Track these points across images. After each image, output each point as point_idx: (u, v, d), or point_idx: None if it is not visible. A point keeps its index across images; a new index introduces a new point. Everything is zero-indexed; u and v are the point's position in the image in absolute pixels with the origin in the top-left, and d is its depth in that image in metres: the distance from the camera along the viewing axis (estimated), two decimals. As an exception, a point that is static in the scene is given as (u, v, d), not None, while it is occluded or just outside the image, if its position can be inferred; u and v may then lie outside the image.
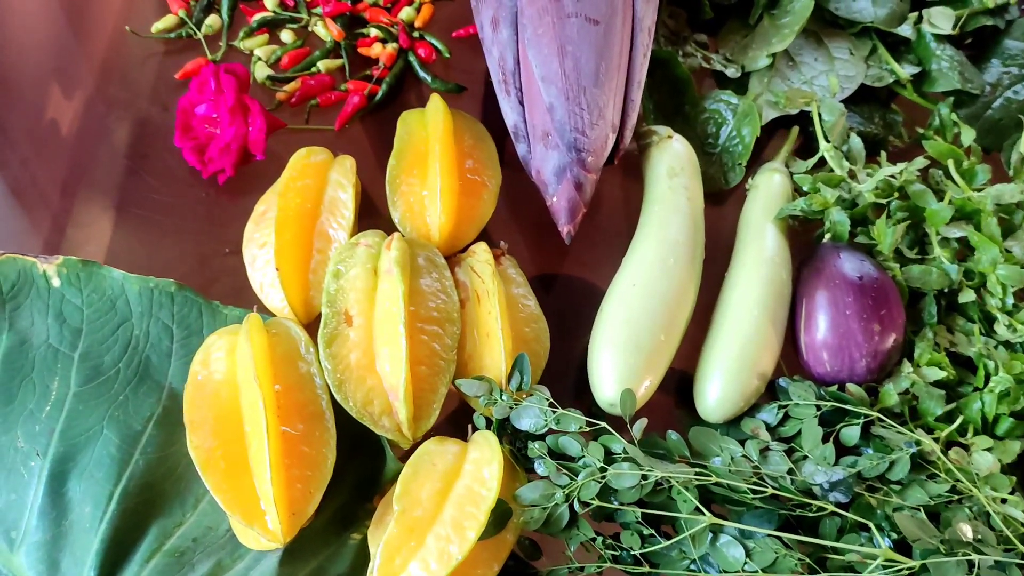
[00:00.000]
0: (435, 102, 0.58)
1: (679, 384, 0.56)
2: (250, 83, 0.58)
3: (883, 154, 0.62)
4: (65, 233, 0.57)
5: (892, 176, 0.59)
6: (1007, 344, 0.55)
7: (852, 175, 0.60)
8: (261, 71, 0.62)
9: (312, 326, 0.51)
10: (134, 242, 0.57)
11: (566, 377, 0.56)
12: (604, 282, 0.56)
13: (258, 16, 0.63)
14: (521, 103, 0.57)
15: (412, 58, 0.64)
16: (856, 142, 0.62)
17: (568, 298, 0.59)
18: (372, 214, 0.59)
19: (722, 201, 0.63)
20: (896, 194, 0.59)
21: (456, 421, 0.53)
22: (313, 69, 0.62)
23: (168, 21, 0.63)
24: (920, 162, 0.61)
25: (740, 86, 0.66)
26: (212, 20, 0.63)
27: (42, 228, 0.58)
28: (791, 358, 0.55)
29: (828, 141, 0.61)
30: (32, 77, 0.62)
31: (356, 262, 0.52)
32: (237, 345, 0.50)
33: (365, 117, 0.62)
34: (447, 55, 0.64)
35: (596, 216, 0.61)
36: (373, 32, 0.64)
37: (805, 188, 0.59)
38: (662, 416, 0.53)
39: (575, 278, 0.59)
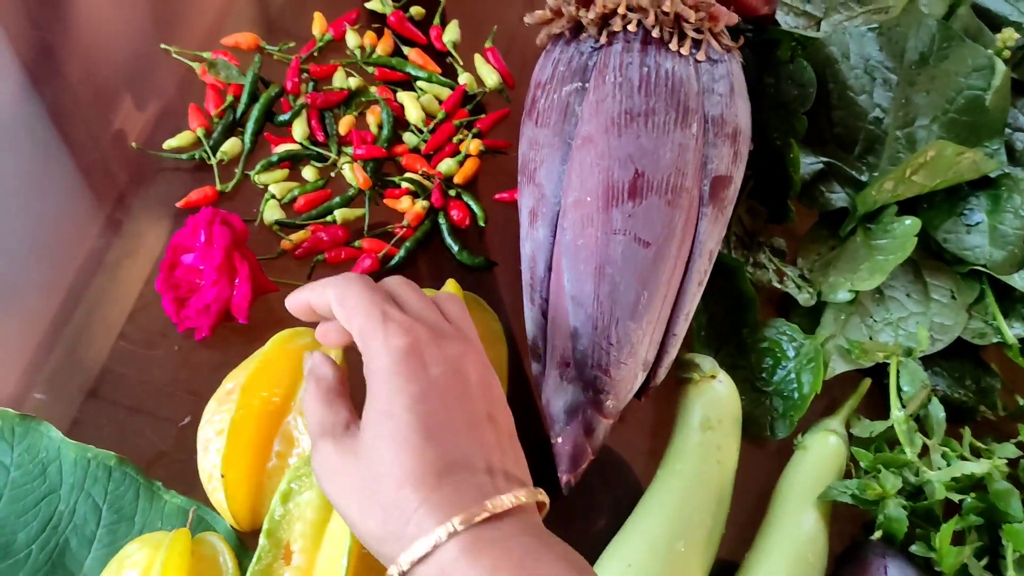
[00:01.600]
0: (449, 290, 0.50)
1: None
2: (247, 235, 0.51)
3: (967, 430, 0.53)
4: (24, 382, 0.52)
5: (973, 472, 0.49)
6: None
7: (924, 451, 0.51)
8: (271, 213, 0.55)
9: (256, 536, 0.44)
10: (86, 393, 0.51)
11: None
12: (599, 542, 0.47)
13: (282, 148, 0.57)
14: (544, 316, 0.49)
15: (442, 220, 0.56)
16: (937, 411, 0.52)
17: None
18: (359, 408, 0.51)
19: (759, 446, 0.54)
20: (973, 494, 0.49)
21: None
22: (328, 218, 0.55)
23: (183, 139, 0.56)
24: (1011, 450, 0.51)
25: (812, 313, 0.56)
26: (230, 145, 0.56)
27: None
28: None
29: (902, 409, 0.51)
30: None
31: (313, 483, 0.45)
32: (152, 567, 0.43)
33: (374, 277, 0.55)
34: (483, 223, 0.57)
35: (606, 454, 0.52)
36: (405, 183, 0.57)
37: (863, 464, 0.50)
38: None
39: (565, 528, 0.51)
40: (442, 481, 0.36)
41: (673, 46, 0.49)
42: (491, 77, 0.61)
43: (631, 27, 0.49)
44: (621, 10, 0.49)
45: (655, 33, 0.49)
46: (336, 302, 0.41)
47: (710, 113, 0.50)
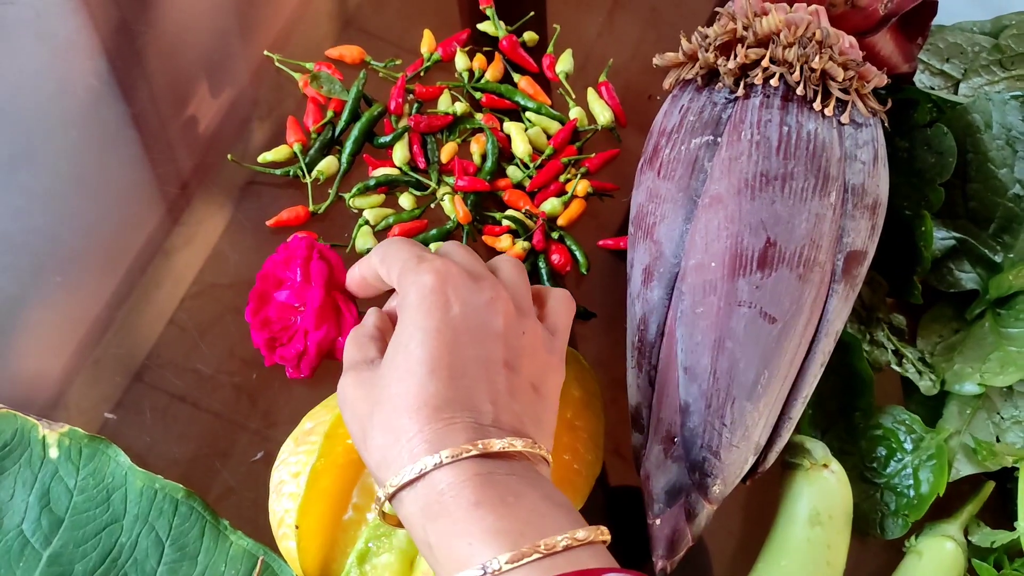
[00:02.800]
0: (548, 345, 0.47)
1: None
2: (344, 268, 0.48)
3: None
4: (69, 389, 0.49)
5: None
6: None
7: (1050, 569, 0.46)
8: (363, 240, 0.52)
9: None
10: (158, 415, 0.49)
11: None
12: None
13: (380, 171, 0.54)
14: (652, 384, 0.46)
15: (542, 264, 0.53)
16: (1067, 525, 0.48)
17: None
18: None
19: (863, 543, 0.49)
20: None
21: None
22: (424, 251, 0.52)
23: (279, 153, 0.54)
24: None
25: (931, 401, 0.52)
26: (326, 164, 0.53)
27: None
28: None
29: (1030, 522, 0.47)
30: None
31: (392, 545, 0.42)
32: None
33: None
34: (585, 271, 0.53)
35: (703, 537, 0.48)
36: (506, 220, 0.53)
37: (982, 578, 0.46)
38: None
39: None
40: (438, 415, 0.37)
41: (817, 105, 0.46)
42: (604, 114, 0.57)
43: (773, 81, 0.46)
44: (764, 63, 0.46)
45: (799, 90, 0.45)
46: (379, 260, 0.43)
47: (851, 182, 0.46)
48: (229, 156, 0.53)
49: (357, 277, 0.45)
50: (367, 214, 0.53)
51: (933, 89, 0.60)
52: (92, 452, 0.45)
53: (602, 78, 0.59)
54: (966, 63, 0.60)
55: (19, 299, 0.51)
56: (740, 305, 0.43)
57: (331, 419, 0.45)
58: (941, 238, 0.54)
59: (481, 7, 0.60)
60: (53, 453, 0.45)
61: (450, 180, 0.54)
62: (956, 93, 0.60)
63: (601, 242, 0.55)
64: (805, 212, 0.44)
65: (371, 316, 0.44)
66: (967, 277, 0.54)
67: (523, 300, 0.42)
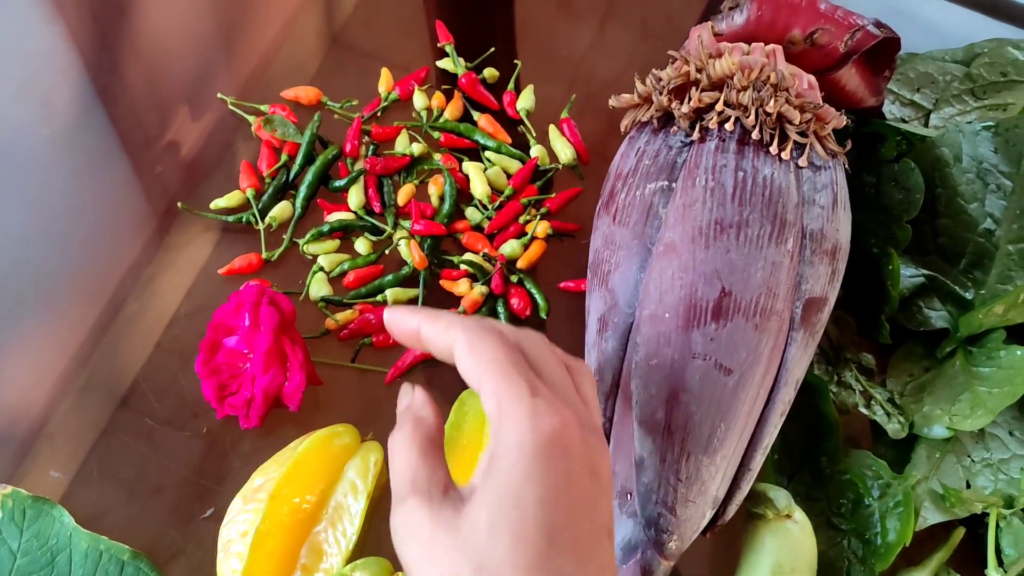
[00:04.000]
0: (504, 396, 0.46)
1: None
2: (295, 317, 0.48)
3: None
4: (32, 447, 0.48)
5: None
6: None
7: (1022, 620, 0.45)
8: (318, 288, 0.51)
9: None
10: (106, 472, 0.48)
11: None
12: None
13: (334, 216, 0.53)
14: (608, 437, 0.45)
15: (501, 308, 0.52)
16: (1039, 573, 0.46)
17: None
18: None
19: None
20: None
21: None
22: (379, 297, 0.51)
23: (231, 199, 0.53)
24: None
25: (904, 446, 0.51)
26: (279, 210, 0.53)
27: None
28: None
29: (1000, 572, 0.46)
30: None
31: (339, 609, 0.41)
32: None
33: (426, 366, 0.51)
34: (544, 315, 0.52)
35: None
36: (463, 264, 0.52)
37: (953, 632, 0.45)
38: None
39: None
40: None
41: (773, 149, 0.44)
42: (565, 152, 0.56)
43: (728, 125, 0.45)
44: (719, 106, 0.45)
45: (754, 134, 0.44)
46: (466, 351, 0.35)
47: (809, 227, 0.45)
48: (180, 204, 0.53)
49: (411, 329, 0.37)
50: (322, 260, 0.52)
51: (904, 120, 0.59)
52: (36, 513, 0.44)
53: (564, 114, 0.58)
54: (937, 93, 0.59)
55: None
56: (695, 357, 0.42)
57: (278, 476, 0.43)
58: (910, 275, 0.53)
59: (440, 44, 0.59)
60: (-4, 515, 0.44)
61: (407, 224, 0.53)
62: (927, 123, 0.59)
63: (562, 284, 0.53)
64: (761, 260, 0.43)
65: (427, 408, 0.37)
66: (937, 315, 0.53)
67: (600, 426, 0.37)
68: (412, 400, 0.37)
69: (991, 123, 0.53)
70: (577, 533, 0.33)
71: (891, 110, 0.59)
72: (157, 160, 0.55)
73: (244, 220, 0.53)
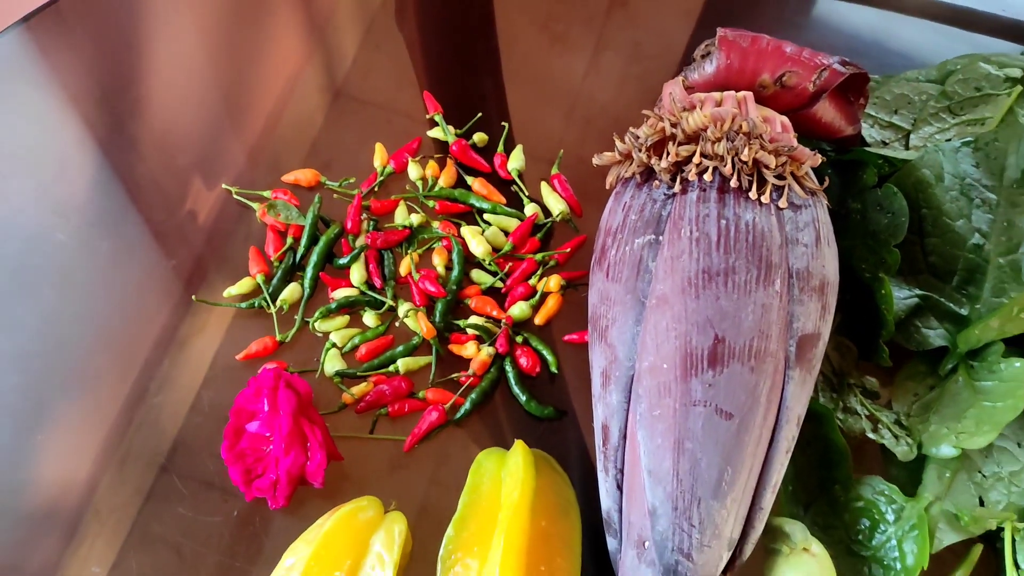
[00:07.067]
0: (517, 457, 0.47)
1: None
2: (312, 397, 0.50)
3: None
4: (73, 537, 0.50)
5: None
6: None
7: (1047, 631, 0.46)
8: (332, 364, 0.53)
9: None
10: (143, 566, 0.50)
11: None
12: None
13: (339, 293, 0.55)
14: (620, 488, 0.46)
15: (509, 367, 0.54)
16: (1060, 581, 0.47)
17: None
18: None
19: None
20: None
21: None
22: (392, 368, 0.53)
23: (243, 286, 0.55)
24: None
25: (915, 466, 0.52)
26: (289, 292, 0.55)
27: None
28: None
29: (1020, 585, 0.47)
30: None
31: None
32: None
33: (441, 432, 0.53)
34: (554, 370, 0.54)
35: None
36: (470, 329, 0.54)
37: (978, 650, 0.45)
38: None
39: None
40: None
41: (753, 194, 0.46)
42: (557, 206, 0.58)
43: (707, 176, 0.46)
44: (696, 158, 0.46)
45: (733, 182, 0.46)
46: None
47: (795, 267, 0.46)
48: (194, 297, 0.55)
49: None
50: (333, 336, 0.54)
51: (884, 142, 0.60)
52: (82, 611, 0.47)
53: (554, 171, 0.60)
54: (915, 112, 0.61)
55: (39, 413, 0.53)
56: (695, 405, 0.44)
57: (307, 555, 0.45)
58: (904, 297, 0.54)
59: (429, 115, 0.61)
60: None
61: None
62: (907, 144, 0.60)
63: (566, 337, 0.55)
64: (751, 304, 0.45)
65: None
66: (935, 334, 0.54)
67: None
68: None
69: (970, 139, 0.54)
70: None
71: (871, 134, 0.60)
72: (171, 254, 0.57)
73: (256, 305, 0.55)
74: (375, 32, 0.67)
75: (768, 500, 0.46)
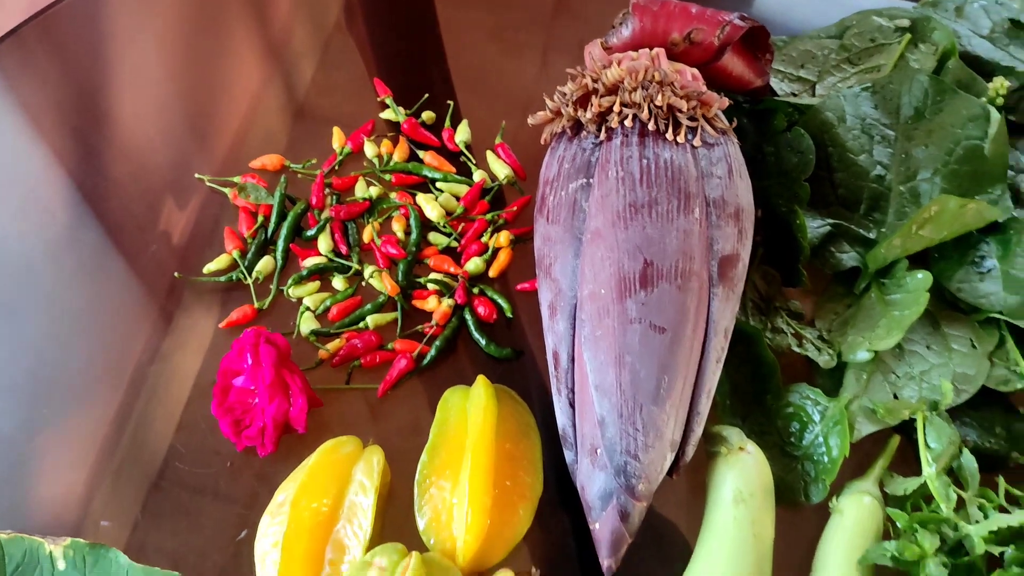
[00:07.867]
0: (479, 389, 0.53)
1: None
2: (290, 349, 0.55)
3: (1001, 479, 0.53)
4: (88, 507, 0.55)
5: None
6: None
7: (960, 504, 0.51)
8: (307, 325, 0.58)
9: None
10: (149, 519, 0.54)
11: None
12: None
13: (309, 261, 0.60)
14: (572, 405, 0.51)
15: (468, 316, 0.59)
16: (969, 462, 0.53)
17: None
18: (406, 508, 0.53)
19: (797, 511, 0.54)
20: (1013, 545, 0.50)
21: None
22: (361, 324, 0.58)
23: (221, 262, 0.60)
24: (1047, 495, 0.52)
25: (836, 374, 0.58)
26: (263, 264, 0.60)
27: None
28: None
29: (932, 465, 0.52)
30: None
31: (366, 587, 0.47)
32: None
33: (411, 377, 0.58)
34: (509, 315, 0.59)
35: (645, 533, 0.53)
36: (431, 284, 0.60)
37: (900, 525, 0.51)
38: None
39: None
40: None
41: (669, 136, 0.52)
42: (503, 171, 0.64)
43: (627, 122, 0.52)
44: (616, 108, 0.52)
45: (651, 126, 0.52)
46: None
47: (711, 196, 0.52)
48: (176, 274, 0.60)
49: None
50: (307, 301, 0.59)
51: (794, 94, 0.67)
52: (95, 558, 0.51)
53: (498, 140, 0.65)
54: (819, 66, 0.67)
55: (30, 434, 0.57)
56: (631, 322, 0.49)
57: (296, 489, 0.50)
58: (817, 226, 0.60)
59: (379, 98, 0.67)
60: (61, 565, 0.51)
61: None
62: (814, 94, 0.66)
63: (518, 286, 0.61)
64: (674, 231, 0.50)
65: None
66: (847, 257, 0.60)
67: None
68: None
69: (868, 84, 0.61)
70: None
71: (781, 87, 0.67)
72: (151, 242, 0.62)
73: (235, 278, 0.60)
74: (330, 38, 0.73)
75: (704, 405, 0.52)
